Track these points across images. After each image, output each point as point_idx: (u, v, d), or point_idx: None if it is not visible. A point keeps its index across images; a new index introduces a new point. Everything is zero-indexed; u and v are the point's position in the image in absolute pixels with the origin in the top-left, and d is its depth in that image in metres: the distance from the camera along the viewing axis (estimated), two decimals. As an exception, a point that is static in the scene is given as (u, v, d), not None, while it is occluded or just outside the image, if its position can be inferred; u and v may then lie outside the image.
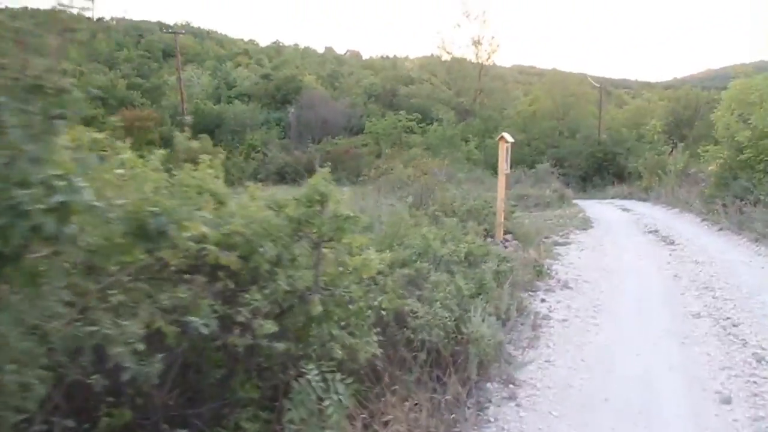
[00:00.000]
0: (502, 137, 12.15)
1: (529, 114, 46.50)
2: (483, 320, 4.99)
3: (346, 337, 3.58)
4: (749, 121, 18.00)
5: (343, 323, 3.70)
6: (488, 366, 5.12)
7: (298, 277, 3.43)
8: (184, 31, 70.87)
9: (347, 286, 3.70)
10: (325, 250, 3.64)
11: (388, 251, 5.12)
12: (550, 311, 7.69)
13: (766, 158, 16.71)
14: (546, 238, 14.75)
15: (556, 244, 13.33)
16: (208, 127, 51.97)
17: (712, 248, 12.65)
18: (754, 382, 5.35)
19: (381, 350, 4.03)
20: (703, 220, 17.57)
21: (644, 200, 26.87)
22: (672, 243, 13.68)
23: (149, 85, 58.13)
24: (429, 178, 11.90)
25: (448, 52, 57.24)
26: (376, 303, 4.24)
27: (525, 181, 29.81)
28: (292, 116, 57.26)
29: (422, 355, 4.57)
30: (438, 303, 4.84)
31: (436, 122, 46.35)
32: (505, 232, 12.61)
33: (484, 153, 44.28)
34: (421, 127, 48.29)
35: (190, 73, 73.06)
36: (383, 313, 4.33)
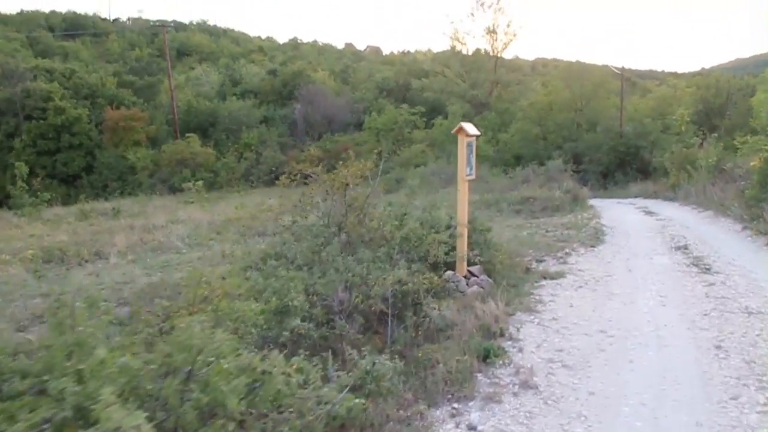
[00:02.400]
0: (460, 128, 8.49)
1: (544, 105, 42.45)
2: None
3: None
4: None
5: None
6: None
7: None
8: (171, 26, 67.65)
9: None
10: None
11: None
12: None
13: (828, 151, 12.94)
14: (538, 261, 11.11)
15: (545, 276, 9.54)
16: (201, 126, 49.07)
17: (766, 279, 8.94)
18: None
19: None
20: (745, 228, 14.01)
21: (671, 200, 23.25)
22: (708, 269, 9.95)
23: (143, 83, 54.97)
24: (357, 189, 8.29)
25: (462, 43, 54.05)
26: None
27: (534, 181, 25.99)
28: (298, 112, 53.92)
29: None
30: None
31: (440, 117, 42.60)
32: (473, 263, 9.01)
33: (497, 148, 41.11)
34: (425, 122, 45.07)
35: (199, 72, 70.63)
36: None
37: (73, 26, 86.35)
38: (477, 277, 8.65)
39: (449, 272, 8.52)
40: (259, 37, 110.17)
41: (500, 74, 54.82)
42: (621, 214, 19.49)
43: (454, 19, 57.29)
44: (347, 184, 8.11)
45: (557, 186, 23.48)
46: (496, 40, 53.64)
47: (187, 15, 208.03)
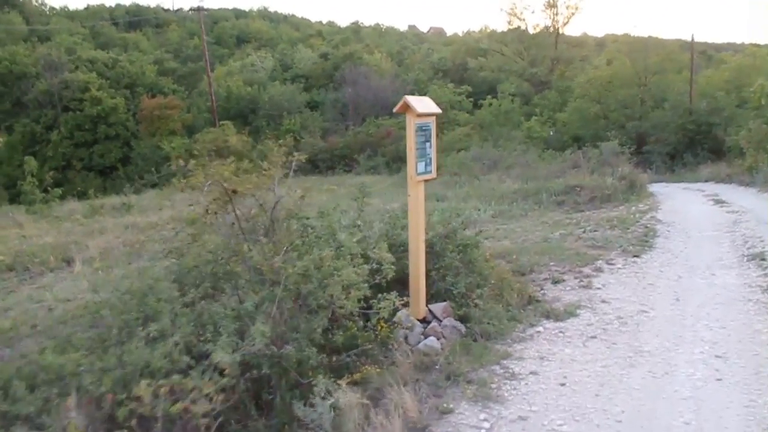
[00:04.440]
0: (405, 105, 5.70)
1: (604, 81, 38.57)
2: None
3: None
4: None
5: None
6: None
7: None
8: (206, 9, 65.07)
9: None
10: None
11: None
12: None
13: None
14: (554, 282, 8.26)
15: (548, 314, 6.61)
16: (242, 112, 47.26)
17: None
18: None
19: None
20: (842, 225, 10.94)
21: (747, 185, 20.12)
22: (794, 299, 7.01)
23: (186, 70, 53.41)
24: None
25: (520, 19, 50.82)
26: None
27: (585, 166, 22.66)
28: (349, 96, 51.45)
29: None
30: None
31: (489, 96, 39.33)
32: (441, 298, 6.30)
33: (555, 129, 37.86)
34: (472, 102, 42.27)
35: (254, 58, 69.26)
36: None
37: (136, 18, 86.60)
38: (440, 321, 5.93)
39: (402, 312, 5.83)
40: (320, 22, 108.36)
41: (561, 51, 51.33)
42: (684, 205, 16.42)
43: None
44: (234, 192, 5.57)
45: (611, 172, 20.33)
46: (556, 14, 50.54)
47: (248, 2, 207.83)
